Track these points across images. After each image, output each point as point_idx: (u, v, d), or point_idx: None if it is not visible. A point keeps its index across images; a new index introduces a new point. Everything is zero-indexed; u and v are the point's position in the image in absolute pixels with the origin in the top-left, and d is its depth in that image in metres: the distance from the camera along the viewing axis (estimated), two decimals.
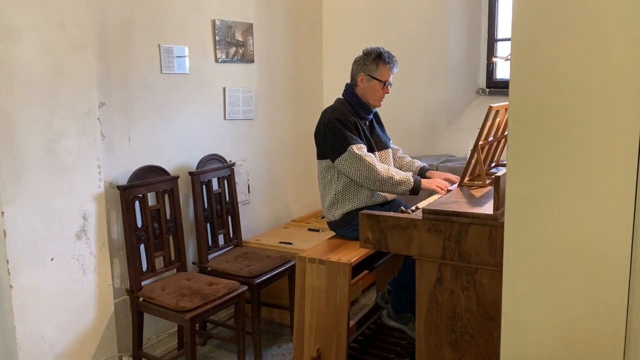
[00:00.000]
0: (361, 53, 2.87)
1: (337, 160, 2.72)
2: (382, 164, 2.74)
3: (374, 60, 2.80)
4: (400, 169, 3.05)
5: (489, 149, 2.53)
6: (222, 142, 3.40)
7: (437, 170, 3.33)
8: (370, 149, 2.82)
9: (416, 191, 2.70)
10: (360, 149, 2.69)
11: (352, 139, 2.69)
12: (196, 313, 2.54)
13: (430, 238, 2.07)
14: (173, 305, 2.56)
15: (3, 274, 2.23)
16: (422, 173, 3.00)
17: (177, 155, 3.11)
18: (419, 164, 3.08)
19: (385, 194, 2.83)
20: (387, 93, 2.87)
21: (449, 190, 2.65)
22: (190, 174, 3.08)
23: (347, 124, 2.73)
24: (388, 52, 2.84)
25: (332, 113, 2.78)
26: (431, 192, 2.75)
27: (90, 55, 2.49)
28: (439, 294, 2.10)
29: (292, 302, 3.03)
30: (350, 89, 2.88)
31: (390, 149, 3.00)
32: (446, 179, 2.88)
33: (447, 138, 3.91)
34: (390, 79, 2.85)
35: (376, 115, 3.03)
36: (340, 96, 2.92)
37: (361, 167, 2.66)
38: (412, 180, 2.69)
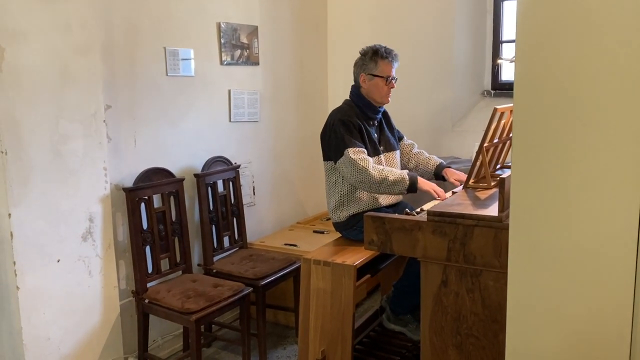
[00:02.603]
0: (359, 54, 2.87)
1: (337, 163, 2.73)
2: (377, 166, 2.71)
3: (372, 58, 2.80)
4: (417, 166, 3.03)
5: (494, 151, 2.52)
6: (227, 145, 3.41)
7: None
8: (377, 152, 2.82)
9: (413, 189, 2.66)
10: (356, 152, 2.67)
11: (350, 142, 2.68)
12: (201, 315, 2.55)
13: (435, 240, 2.06)
14: (178, 307, 2.57)
15: (10, 275, 2.25)
16: (439, 171, 2.97)
17: (183, 157, 3.12)
18: (435, 160, 3.03)
19: (388, 196, 2.82)
20: (392, 88, 2.85)
21: (453, 192, 2.65)
22: (196, 176, 3.09)
23: (350, 126, 2.72)
24: (385, 47, 2.82)
25: (337, 115, 2.78)
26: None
27: (96, 58, 2.51)
28: (444, 296, 2.10)
29: (297, 304, 3.03)
30: (355, 91, 2.88)
31: (397, 151, 2.99)
32: (460, 180, 2.83)
33: (452, 140, 3.91)
34: (393, 73, 2.83)
35: (385, 116, 3.02)
36: (348, 98, 2.92)
37: (355, 171, 2.65)
38: (407, 179, 2.65)
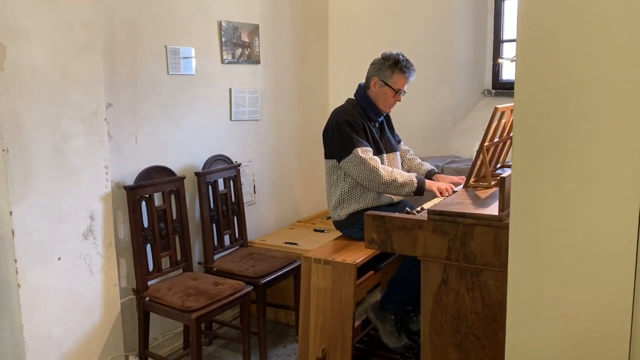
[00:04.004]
0: (379, 56, 2.84)
1: (342, 162, 2.73)
2: (386, 167, 2.75)
3: (390, 67, 2.78)
4: (409, 171, 3.05)
5: (495, 150, 2.53)
6: (228, 143, 3.42)
7: (442, 171, 3.33)
8: (379, 152, 2.83)
9: (420, 192, 2.71)
10: (365, 152, 2.69)
11: (358, 141, 2.69)
12: (202, 313, 2.55)
13: (435, 239, 2.07)
14: (179, 305, 2.57)
15: (11, 273, 2.25)
16: (429, 176, 3.00)
17: (184, 155, 3.12)
18: (427, 166, 3.08)
19: (392, 196, 2.83)
20: (398, 101, 2.85)
21: (454, 192, 2.66)
22: (197, 174, 3.09)
23: (355, 125, 2.73)
24: (407, 59, 2.80)
25: (341, 114, 2.78)
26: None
27: (98, 57, 2.51)
28: (444, 295, 2.10)
29: (297, 302, 3.04)
30: (362, 90, 2.87)
31: (398, 152, 3.00)
32: (451, 182, 2.86)
33: (453, 139, 3.91)
34: (405, 87, 2.83)
35: (387, 117, 3.03)
36: (351, 96, 2.92)
37: (365, 170, 2.67)
38: (416, 182, 2.69)
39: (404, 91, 2.85)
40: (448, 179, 2.92)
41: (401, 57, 2.80)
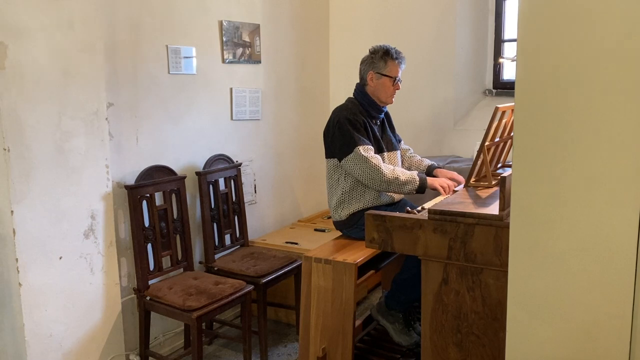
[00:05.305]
0: (368, 52, 2.88)
1: (343, 160, 2.73)
2: (388, 165, 2.75)
3: (382, 58, 2.82)
4: (410, 168, 3.06)
5: (495, 149, 2.53)
6: (229, 143, 3.42)
7: None
8: (380, 150, 2.83)
9: (422, 190, 2.71)
10: (366, 150, 2.69)
11: (359, 139, 2.70)
12: (203, 312, 2.55)
13: (435, 238, 2.07)
14: (180, 305, 2.58)
15: (12, 272, 2.26)
16: (429, 171, 3.01)
17: (184, 155, 3.12)
18: (427, 162, 3.08)
19: (392, 195, 2.84)
20: (397, 89, 2.88)
21: (454, 191, 2.66)
22: (197, 174, 3.10)
23: (356, 124, 2.74)
24: (394, 48, 2.85)
25: (342, 112, 2.79)
26: (437, 192, 2.76)
27: (99, 56, 2.51)
28: (444, 294, 2.10)
29: (298, 301, 3.04)
30: (360, 89, 2.88)
31: (398, 151, 3.01)
32: (452, 178, 2.88)
33: (453, 139, 3.91)
34: (399, 75, 2.86)
35: (387, 116, 3.04)
36: (351, 96, 2.93)
37: (367, 169, 2.67)
38: (418, 179, 2.70)
39: (400, 79, 2.87)
40: (449, 174, 2.93)
41: (388, 46, 2.85)
